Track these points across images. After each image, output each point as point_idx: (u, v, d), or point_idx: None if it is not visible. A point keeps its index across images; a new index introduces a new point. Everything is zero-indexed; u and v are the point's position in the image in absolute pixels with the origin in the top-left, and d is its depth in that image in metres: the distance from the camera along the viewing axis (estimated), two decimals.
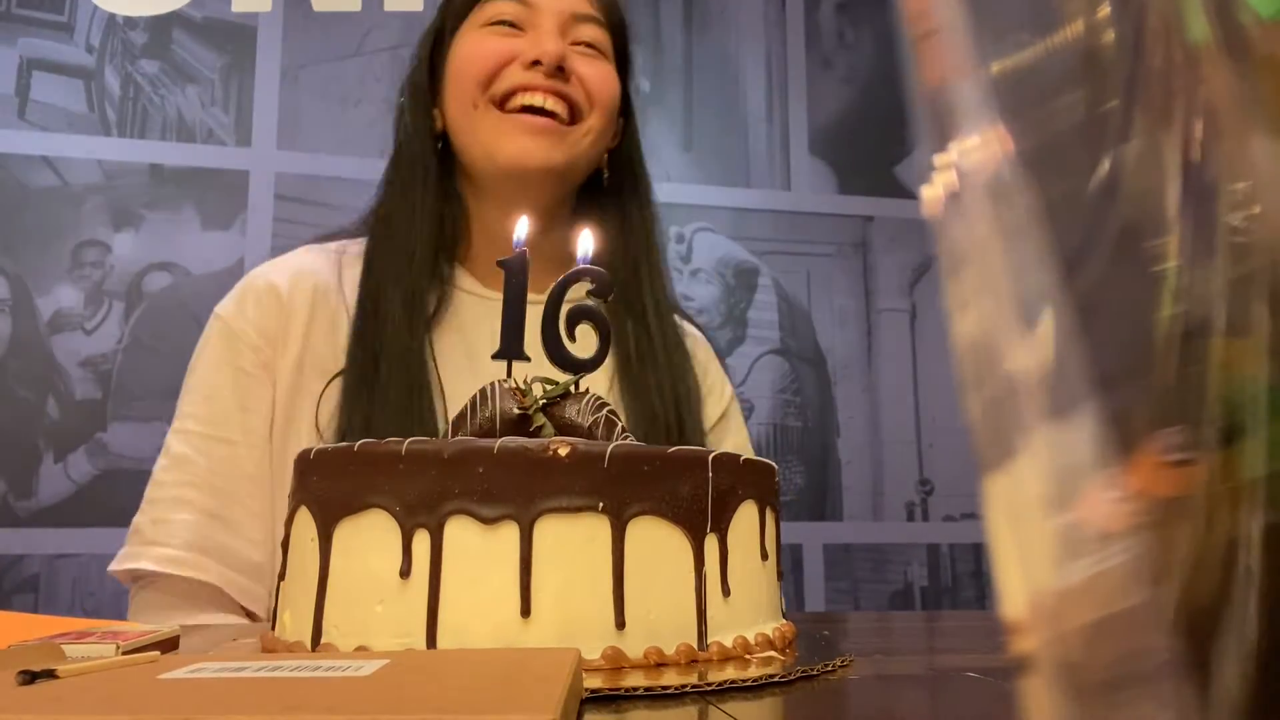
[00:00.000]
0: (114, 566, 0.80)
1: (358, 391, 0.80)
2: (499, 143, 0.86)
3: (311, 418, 0.82)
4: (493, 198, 0.90)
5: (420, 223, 0.86)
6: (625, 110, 0.96)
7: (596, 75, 0.89)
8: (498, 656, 0.37)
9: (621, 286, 0.89)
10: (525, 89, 0.85)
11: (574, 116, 0.87)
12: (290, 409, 0.83)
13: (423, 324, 0.84)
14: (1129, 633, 0.16)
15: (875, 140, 2.13)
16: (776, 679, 0.41)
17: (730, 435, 0.99)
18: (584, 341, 0.55)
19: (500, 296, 0.89)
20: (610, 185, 0.94)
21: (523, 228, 0.59)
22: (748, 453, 0.98)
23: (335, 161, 1.86)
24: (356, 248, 0.90)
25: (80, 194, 1.79)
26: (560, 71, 0.86)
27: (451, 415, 0.82)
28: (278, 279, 0.88)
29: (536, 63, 0.85)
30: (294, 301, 0.86)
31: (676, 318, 0.98)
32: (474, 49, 0.88)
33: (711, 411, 0.98)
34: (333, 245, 0.92)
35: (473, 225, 0.92)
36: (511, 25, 0.88)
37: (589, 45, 0.90)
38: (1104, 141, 0.18)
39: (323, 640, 0.44)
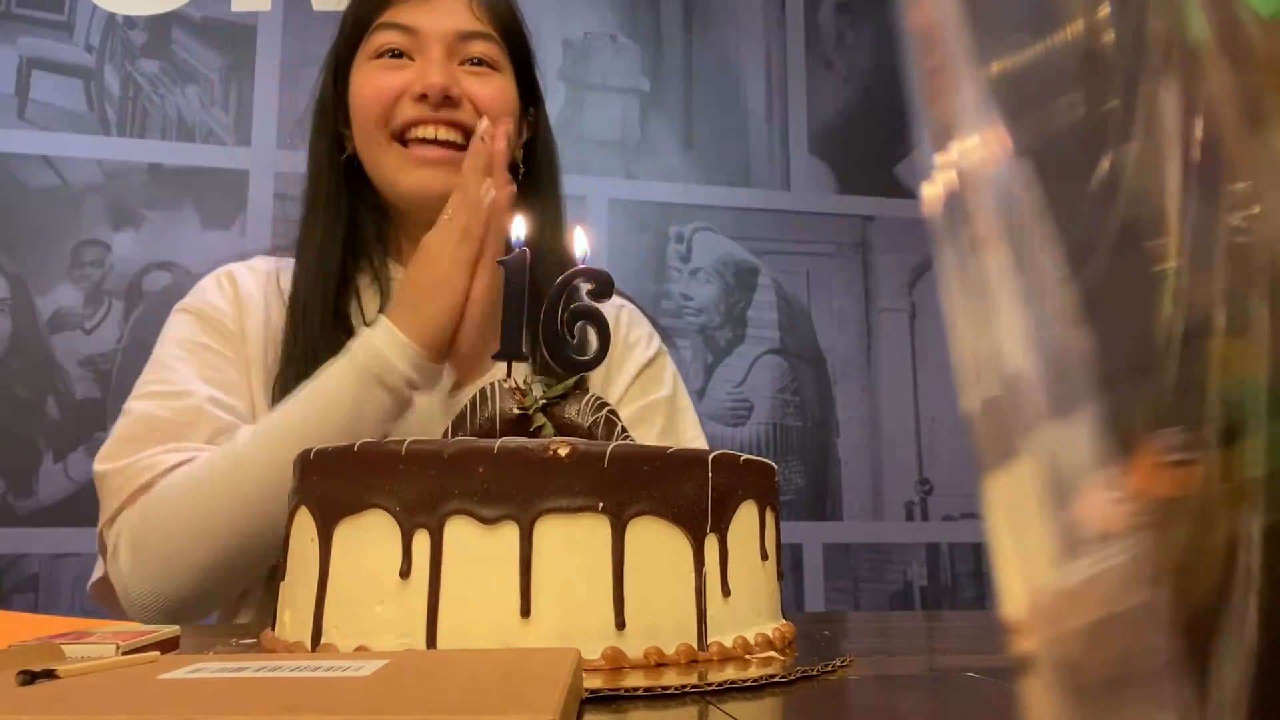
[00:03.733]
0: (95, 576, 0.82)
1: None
2: (398, 177, 0.89)
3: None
4: (408, 213, 0.93)
5: (330, 245, 0.90)
6: (534, 99, 0.98)
7: (487, 94, 0.90)
8: (498, 656, 0.37)
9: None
10: (417, 123, 0.88)
11: (469, 136, 0.89)
12: (267, 387, 0.86)
13: (343, 342, 0.85)
14: (1129, 633, 0.16)
15: (875, 140, 2.13)
16: (776, 679, 0.41)
17: (653, 389, 0.97)
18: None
19: None
20: (525, 176, 0.96)
21: (520, 227, 0.59)
22: (684, 408, 0.98)
23: None
24: (289, 267, 0.93)
25: (80, 193, 1.79)
26: (449, 100, 0.87)
27: None
28: (235, 269, 0.93)
29: (424, 95, 0.87)
30: (251, 289, 0.90)
31: None
32: (365, 87, 0.90)
33: (628, 371, 0.97)
34: (274, 260, 0.95)
35: (398, 226, 0.95)
36: (400, 54, 0.89)
37: (480, 61, 0.91)
38: (1104, 141, 0.18)
39: (323, 640, 0.44)
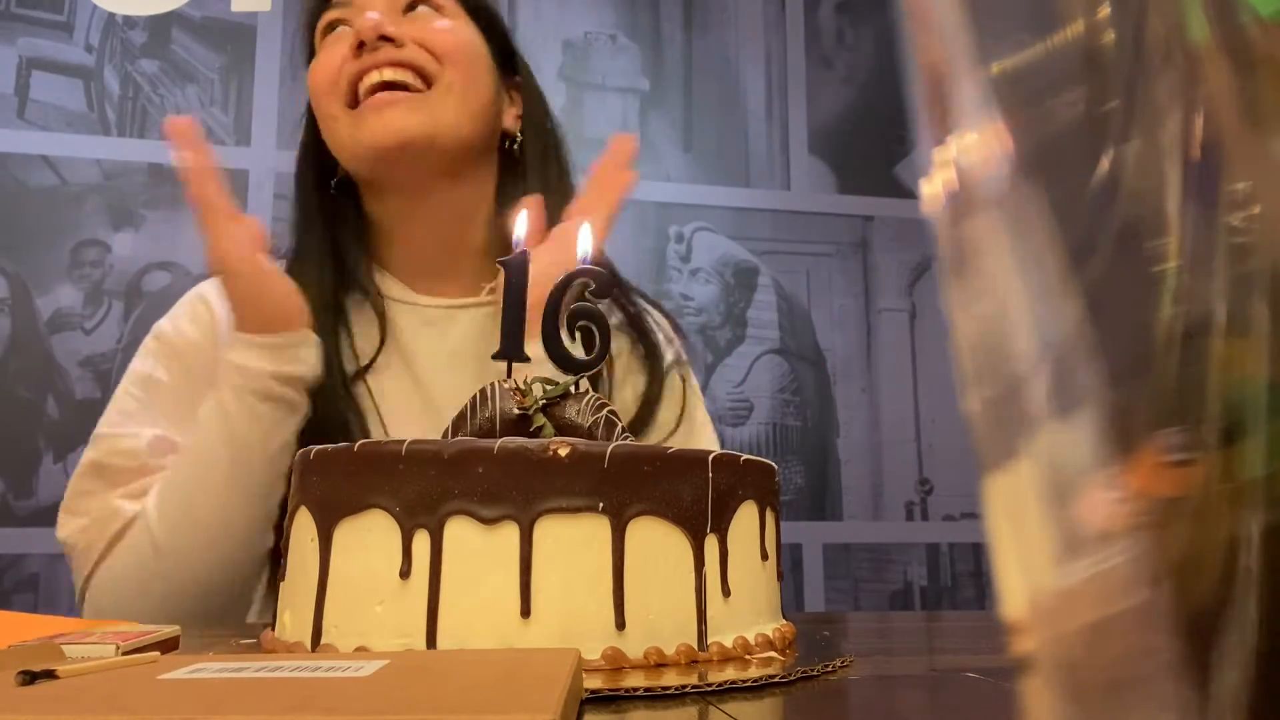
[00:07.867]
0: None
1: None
2: (356, 136, 0.83)
3: None
4: (393, 196, 0.89)
5: (321, 267, 0.88)
6: (517, 69, 0.93)
7: (434, 30, 0.84)
8: (498, 656, 0.37)
9: None
10: (361, 75, 0.82)
11: (428, 81, 0.83)
12: None
13: (341, 380, 0.83)
14: (1129, 633, 0.16)
15: (875, 140, 2.13)
16: (776, 679, 0.41)
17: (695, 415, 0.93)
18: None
19: (426, 301, 0.89)
20: (524, 156, 0.91)
21: (521, 226, 0.59)
22: (707, 425, 0.94)
23: None
24: None
25: (80, 193, 1.79)
26: (387, 39, 0.81)
27: (399, 432, 0.83)
28: (208, 292, 0.89)
29: (361, 44, 0.81)
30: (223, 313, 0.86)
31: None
32: (313, 69, 0.86)
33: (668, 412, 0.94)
34: None
35: (391, 233, 0.92)
36: (346, 24, 0.85)
37: (426, 4, 0.85)
38: (1104, 141, 0.18)
39: (323, 640, 0.44)
